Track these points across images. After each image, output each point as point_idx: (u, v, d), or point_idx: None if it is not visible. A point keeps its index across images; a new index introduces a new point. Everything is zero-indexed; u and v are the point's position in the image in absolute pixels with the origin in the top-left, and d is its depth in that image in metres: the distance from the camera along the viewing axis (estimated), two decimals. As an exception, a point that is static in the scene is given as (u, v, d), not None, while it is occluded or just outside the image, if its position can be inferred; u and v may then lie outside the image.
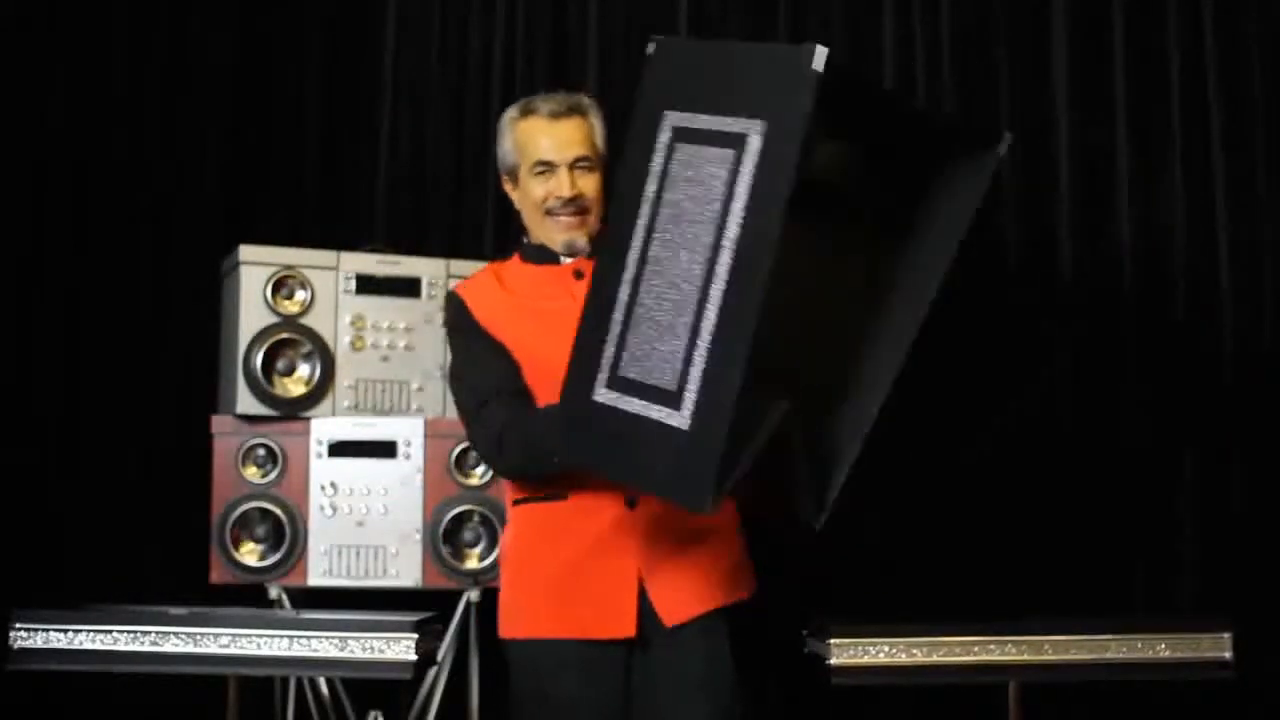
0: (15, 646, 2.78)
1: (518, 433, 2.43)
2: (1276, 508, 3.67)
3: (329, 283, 3.34)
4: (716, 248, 1.98)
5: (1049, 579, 3.70)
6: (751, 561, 2.69)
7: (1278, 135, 3.77)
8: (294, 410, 3.29)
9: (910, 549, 3.72)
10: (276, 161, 3.89)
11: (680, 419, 2.01)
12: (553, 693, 2.50)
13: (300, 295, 3.32)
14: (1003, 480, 3.75)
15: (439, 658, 3.17)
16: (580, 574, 2.50)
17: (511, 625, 2.57)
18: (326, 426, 3.28)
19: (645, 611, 2.50)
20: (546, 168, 2.57)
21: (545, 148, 2.57)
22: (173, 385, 3.72)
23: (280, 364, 3.30)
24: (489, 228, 3.90)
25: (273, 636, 2.77)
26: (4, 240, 3.58)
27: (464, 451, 3.30)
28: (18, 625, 2.79)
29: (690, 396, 1.99)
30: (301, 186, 3.91)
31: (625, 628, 2.49)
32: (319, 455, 3.27)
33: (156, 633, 2.78)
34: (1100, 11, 3.84)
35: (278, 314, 3.29)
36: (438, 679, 3.33)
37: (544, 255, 2.62)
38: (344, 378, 3.34)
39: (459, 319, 2.59)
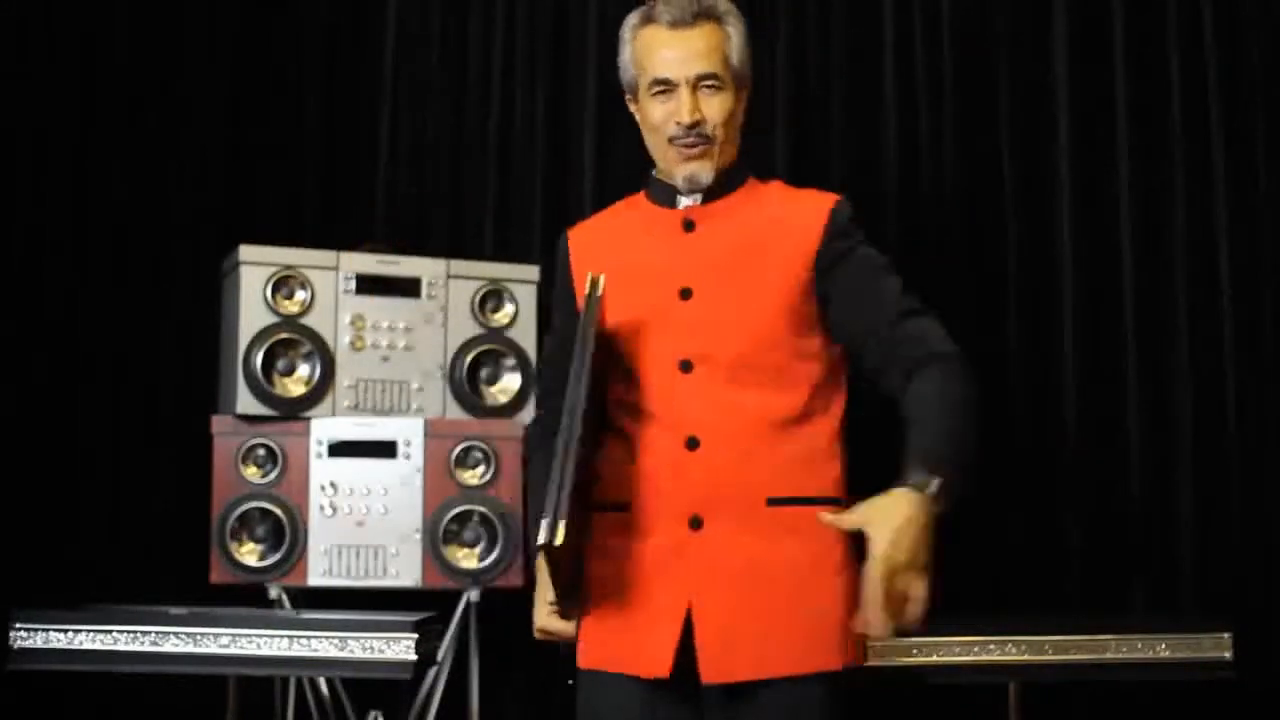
0: (15, 646, 2.79)
1: (531, 467, 2.32)
2: (1276, 508, 3.67)
3: (329, 283, 3.34)
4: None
5: (1049, 579, 3.71)
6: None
7: (1278, 135, 3.77)
8: (294, 410, 3.29)
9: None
10: (276, 161, 3.89)
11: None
12: None
13: (300, 295, 3.32)
14: (1003, 480, 3.75)
15: (439, 658, 3.17)
16: (628, 598, 2.13)
17: (579, 652, 2.22)
18: (326, 426, 3.28)
19: (690, 655, 2.10)
20: (665, 86, 2.17)
21: (664, 62, 2.16)
22: (173, 385, 3.71)
23: (280, 364, 3.30)
24: (489, 228, 3.90)
25: (273, 636, 2.77)
26: (4, 240, 3.58)
27: (464, 451, 3.30)
28: (18, 625, 2.79)
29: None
30: (301, 186, 3.91)
31: (659, 667, 2.08)
32: (319, 455, 3.27)
33: (156, 633, 2.78)
34: (1100, 11, 3.84)
35: (278, 314, 3.29)
36: (438, 679, 3.33)
37: (662, 193, 2.27)
38: (344, 378, 3.34)
39: (557, 265, 2.33)
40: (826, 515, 1.97)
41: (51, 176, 3.67)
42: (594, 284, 2.11)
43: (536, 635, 2.28)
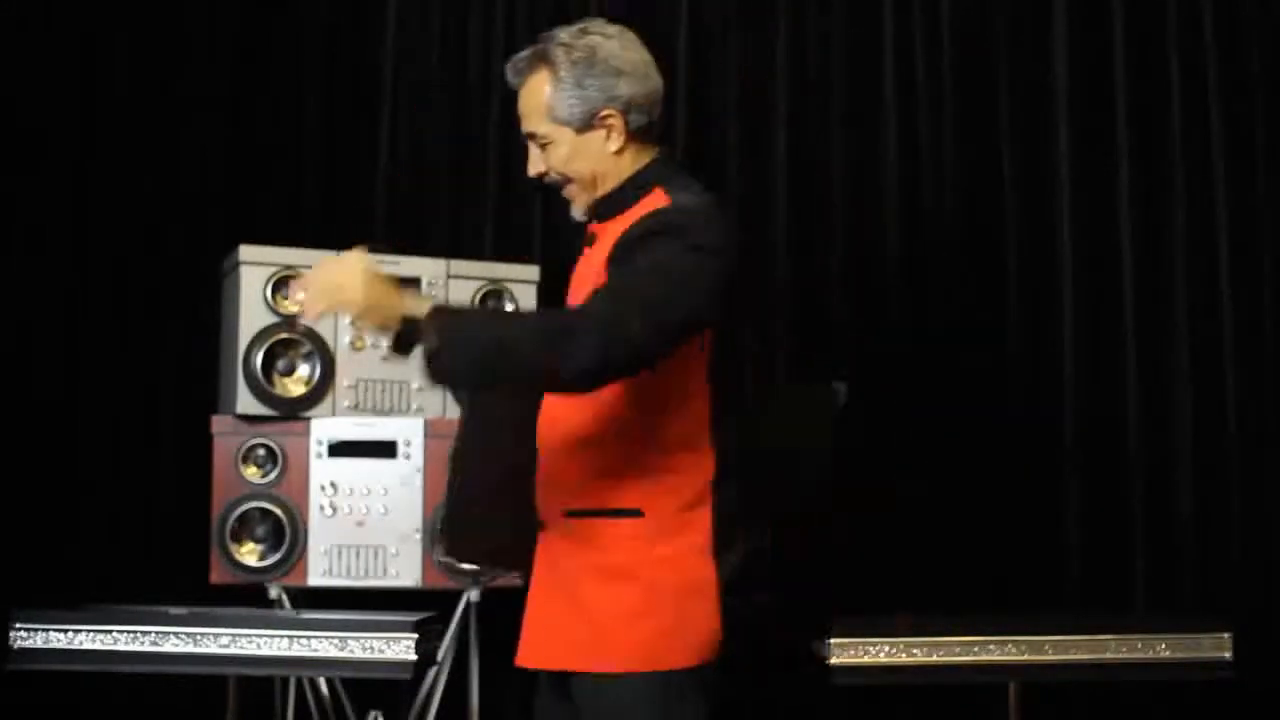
0: (15, 646, 2.79)
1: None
2: (1276, 508, 3.67)
3: (329, 282, 3.34)
4: None
5: (1049, 579, 3.71)
6: (703, 620, 2.10)
7: (1278, 135, 3.77)
8: (294, 410, 3.28)
9: (910, 549, 3.72)
10: (276, 161, 3.89)
11: None
12: None
13: (301, 295, 3.31)
14: (1003, 480, 3.76)
15: (439, 658, 3.17)
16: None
17: None
18: (326, 426, 3.28)
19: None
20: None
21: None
22: (173, 385, 3.71)
23: (280, 364, 3.30)
24: (489, 228, 3.90)
25: (273, 636, 2.77)
26: (4, 240, 3.58)
27: (464, 451, 3.30)
28: (18, 625, 2.79)
29: None
30: (301, 186, 3.91)
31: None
32: (319, 455, 3.26)
33: (156, 633, 2.78)
34: (1100, 11, 3.84)
35: (278, 314, 3.29)
36: (438, 679, 3.32)
37: None
38: (344, 378, 3.33)
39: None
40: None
41: (52, 176, 3.67)
42: None
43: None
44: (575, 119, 2.19)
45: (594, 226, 2.24)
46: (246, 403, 3.24)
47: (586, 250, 2.25)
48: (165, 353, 3.73)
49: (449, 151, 3.94)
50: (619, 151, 2.20)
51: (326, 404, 3.31)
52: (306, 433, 3.27)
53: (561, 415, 2.16)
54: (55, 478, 3.57)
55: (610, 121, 2.19)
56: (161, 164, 3.77)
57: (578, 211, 2.24)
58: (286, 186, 3.90)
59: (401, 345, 2.12)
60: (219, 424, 3.29)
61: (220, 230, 3.67)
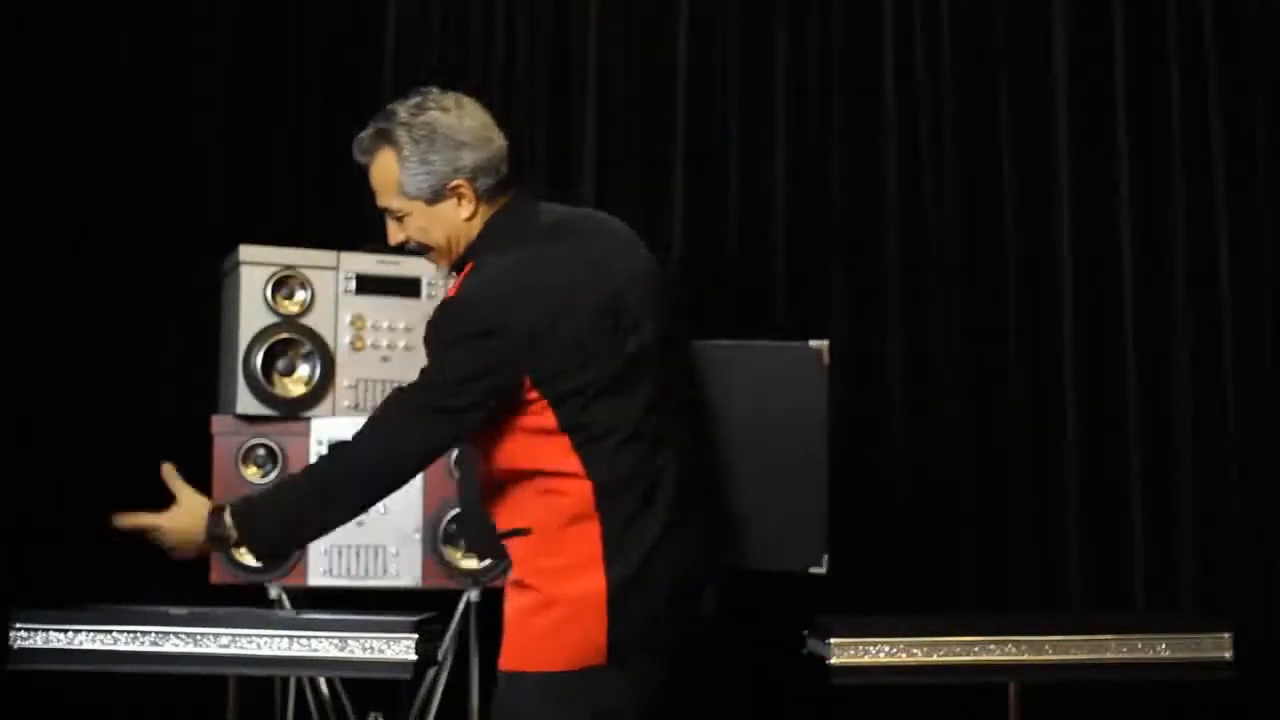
0: (15, 646, 2.79)
1: None
2: (1276, 508, 3.67)
3: (329, 283, 3.34)
4: None
5: (1049, 579, 3.71)
6: (589, 627, 2.19)
7: (1278, 135, 3.77)
8: (294, 410, 3.29)
9: (910, 549, 3.72)
10: (276, 161, 3.89)
11: None
12: None
13: (300, 295, 3.32)
14: (1003, 480, 3.76)
15: (439, 658, 3.17)
16: None
17: None
18: (326, 426, 3.28)
19: None
20: None
21: None
22: (173, 385, 3.71)
23: (280, 364, 3.30)
24: (489, 228, 3.89)
25: (273, 636, 2.77)
26: (4, 240, 3.58)
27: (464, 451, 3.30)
28: (18, 625, 2.79)
29: None
30: (301, 186, 3.91)
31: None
32: (319, 455, 3.26)
33: (156, 633, 2.78)
34: (1100, 12, 3.84)
35: (278, 314, 3.29)
36: (438, 679, 3.32)
37: None
38: (344, 378, 3.33)
39: None
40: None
41: (52, 176, 3.67)
42: None
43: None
44: (425, 193, 2.32)
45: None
46: (246, 403, 3.24)
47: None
48: (165, 353, 3.73)
49: (449, 151, 3.93)
50: (470, 217, 2.34)
51: (326, 404, 3.31)
52: (306, 433, 3.27)
53: (477, 458, 2.39)
54: (55, 478, 3.57)
55: (460, 190, 2.32)
56: (161, 164, 3.77)
57: (440, 273, 2.50)
58: (286, 186, 3.90)
59: (221, 548, 2.48)
60: (219, 424, 3.29)
61: (220, 230, 3.67)
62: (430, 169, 2.30)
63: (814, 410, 2.92)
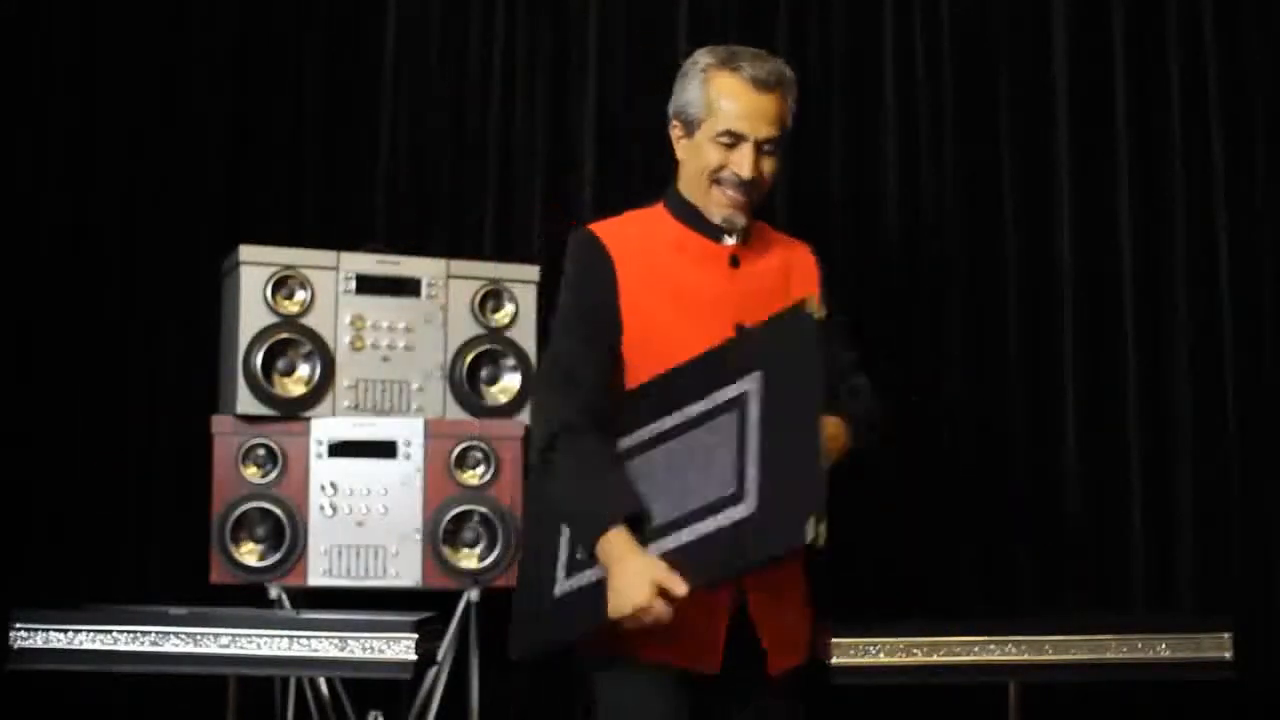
0: (15, 646, 2.79)
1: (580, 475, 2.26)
2: (1276, 508, 3.67)
3: (329, 283, 3.34)
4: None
5: (1049, 579, 3.71)
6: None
7: (1278, 135, 3.77)
8: (294, 410, 3.29)
9: (910, 548, 3.72)
10: (276, 161, 3.89)
11: (744, 508, 2.17)
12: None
13: (300, 295, 3.32)
14: (1003, 480, 3.76)
15: (439, 658, 3.17)
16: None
17: (608, 643, 2.32)
18: (326, 426, 3.28)
19: (739, 651, 2.31)
20: (734, 139, 2.33)
21: (739, 116, 2.32)
22: (173, 385, 3.71)
23: (280, 364, 3.30)
24: (489, 228, 3.89)
25: (273, 636, 2.77)
26: (4, 240, 3.58)
27: (464, 451, 3.30)
28: (18, 625, 2.79)
29: (751, 489, 2.17)
30: (301, 186, 3.91)
31: (711, 662, 2.30)
32: (319, 455, 3.27)
33: (156, 633, 2.78)
34: (1100, 11, 3.84)
35: (278, 314, 3.29)
36: (438, 679, 3.33)
37: (702, 223, 2.41)
38: (344, 378, 3.33)
39: (590, 265, 2.37)
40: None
41: (51, 176, 3.67)
42: (807, 304, 2.26)
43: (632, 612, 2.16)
44: (786, 139, 2.43)
45: (739, 249, 2.43)
46: (246, 403, 3.25)
47: (734, 271, 2.41)
48: (165, 353, 3.73)
49: (449, 151, 3.94)
50: None
51: (326, 404, 3.31)
52: (306, 433, 3.27)
53: None
54: (55, 478, 3.57)
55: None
56: (161, 164, 3.77)
57: (741, 221, 2.40)
58: (286, 186, 3.89)
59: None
60: (219, 424, 3.29)
61: (220, 230, 3.67)
62: (791, 122, 2.41)
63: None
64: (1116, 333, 3.77)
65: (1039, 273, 3.81)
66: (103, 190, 3.71)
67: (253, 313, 3.27)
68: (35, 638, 2.78)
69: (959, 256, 3.84)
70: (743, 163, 2.31)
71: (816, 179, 3.89)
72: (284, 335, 3.29)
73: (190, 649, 2.77)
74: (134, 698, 3.47)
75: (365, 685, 3.28)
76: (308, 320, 3.32)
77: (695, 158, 2.37)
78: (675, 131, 2.43)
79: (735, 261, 2.38)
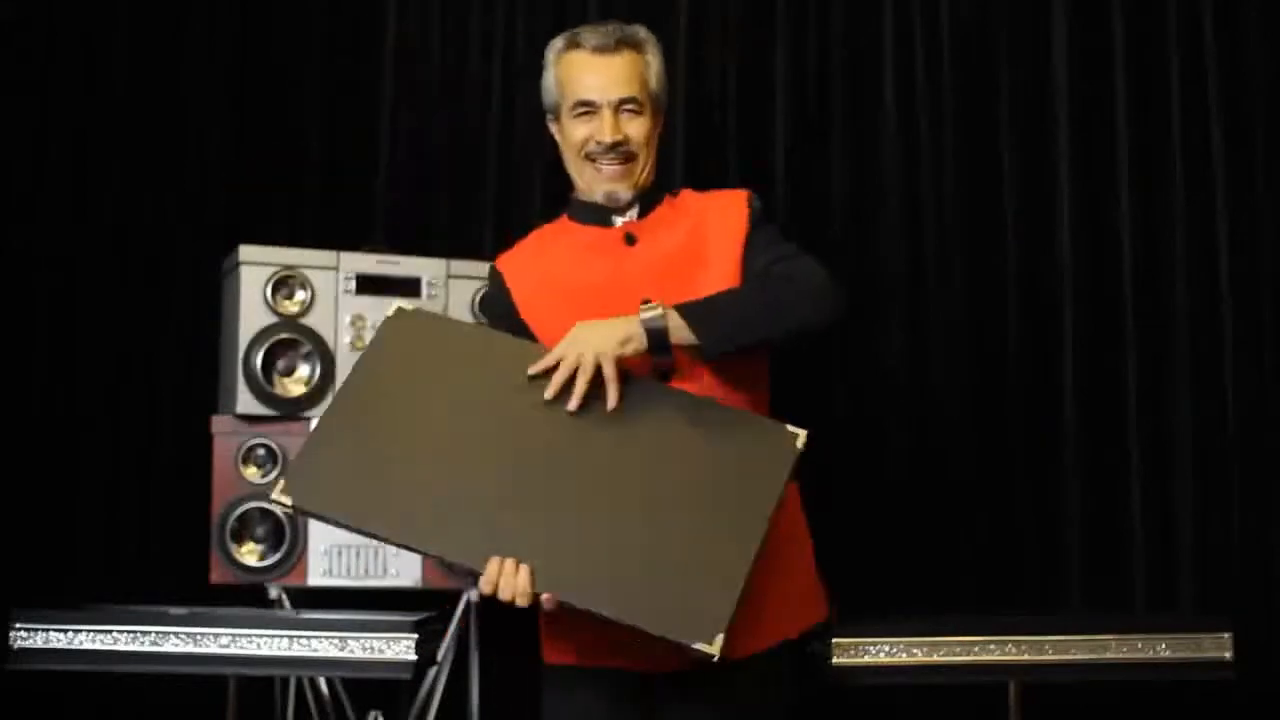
0: (15, 646, 2.78)
1: None
2: (1276, 508, 3.67)
3: (329, 283, 3.34)
4: None
5: (1049, 579, 3.71)
6: (821, 573, 2.37)
7: (1278, 135, 3.77)
8: (294, 410, 3.29)
9: (910, 548, 3.72)
10: (276, 161, 3.89)
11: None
12: None
13: (300, 295, 3.32)
14: (1003, 480, 3.76)
15: (439, 658, 3.17)
16: None
17: (551, 649, 2.30)
18: (326, 426, 3.28)
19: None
20: (588, 108, 2.28)
21: (588, 86, 2.27)
22: (173, 385, 3.71)
23: (280, 364, 3.30)
24: (489, 228, 3.90)
25: (273, 636, 2.77)
26: (3, 239, 3.58)
27: (464, 451, 3.29)
28: (18, 625, 2.79)
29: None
30: (301, 186, 3.91)
31: (664, 661, 2.12)
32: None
33: (156, 633, 2.77)
34: (1100, 12, 3.84)
35: (278, 314, 3.29)
36: (438, 679, 3.33)
37: (591, 213, 2.34)
38: (344, 378, 3.33)
39: (491, 300, 2.38)
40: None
41: (51, 176, 3.67)
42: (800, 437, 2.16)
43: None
44: (659, 104, 2.36)
45: (634, 225, 2.33)
46: (246, 403, 3.25)
47: (629, 250, 2.31)
48: (165, 353, 3.73)
49: (449, 151, 3.94)
50: (656, 146, 2.37)
51: (326, 404, 3.31)
52: (306, 433, 3.27)
53: (735, 400, 2.24)
54: (55, 478, 3.57)
55: (663, 120, 2.37)
56: (162, 164, 3.77)
57: (624, 193, 2.31)
58: (286, 186, 3.90)
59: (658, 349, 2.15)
60: (219, 424, 3.29)
61: (220, 230, 3.67)
62: (664, 86, 2.35)
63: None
64: (1116, 332, 3.77)
65: (1039, 272, 3.81)
66: (103, 190, 3.71)
67: (253, 313, 3.27)
68: (35, 638, 2.78)
69: (958, 256, 3.84)
70: (603, 127, 2.26)
71: (816, 179, 3.89)
72: (284, 335, 3.29)
73: (190, 649, 2.77)
74: (134, 698, 3.47)
75: (365, 685, 3.28)
76: (308, 320, 3.32)
77: (565, 143, 2.34)
78: (552, 127, 2.39)
79: (631, 239, 2.31)
